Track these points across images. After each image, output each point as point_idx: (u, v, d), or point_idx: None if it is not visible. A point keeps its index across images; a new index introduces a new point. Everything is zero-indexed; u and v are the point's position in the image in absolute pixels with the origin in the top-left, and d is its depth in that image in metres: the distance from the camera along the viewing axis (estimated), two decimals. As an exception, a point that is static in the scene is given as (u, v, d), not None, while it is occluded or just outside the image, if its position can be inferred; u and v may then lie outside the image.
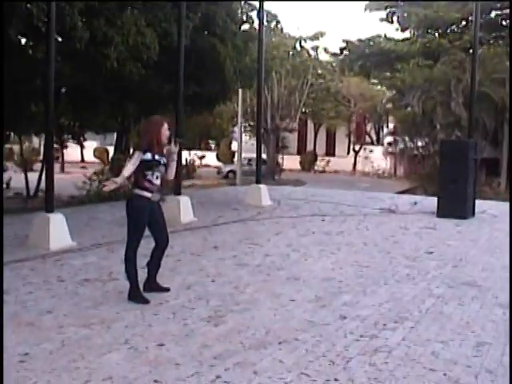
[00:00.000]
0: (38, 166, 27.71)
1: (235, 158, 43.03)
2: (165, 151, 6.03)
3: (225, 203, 14.21)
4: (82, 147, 44.73)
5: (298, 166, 46.47)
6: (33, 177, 21.12)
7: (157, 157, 5.84)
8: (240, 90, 29.85)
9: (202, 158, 51.08)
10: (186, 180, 35.67)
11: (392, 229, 10.58)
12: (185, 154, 47.38)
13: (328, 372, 4.28)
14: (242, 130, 45.00)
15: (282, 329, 5.23)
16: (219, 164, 46.39)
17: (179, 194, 11.21)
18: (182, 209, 11.00)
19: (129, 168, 5.73)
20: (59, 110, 19.44)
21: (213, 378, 4.19)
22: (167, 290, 6.33)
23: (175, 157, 6.11)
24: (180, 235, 9.72)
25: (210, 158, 51.10)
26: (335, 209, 13.17)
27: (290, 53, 35.15)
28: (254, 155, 37.34)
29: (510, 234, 8.11)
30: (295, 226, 10.83)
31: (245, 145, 50.32)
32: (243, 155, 42.45)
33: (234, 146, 50.68)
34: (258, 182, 13.74)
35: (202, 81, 14.99)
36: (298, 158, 47.66)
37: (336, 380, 4.15)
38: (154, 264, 6.20)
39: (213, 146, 54.95)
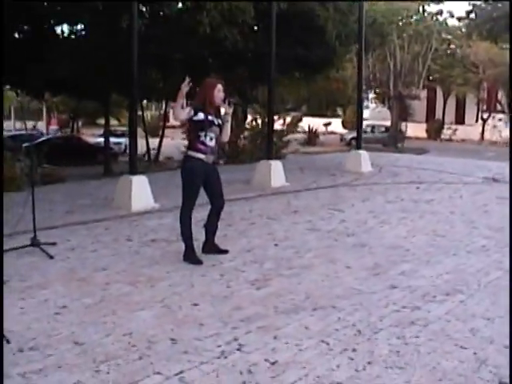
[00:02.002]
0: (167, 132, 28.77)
1: (365, 125, 42.30)
2: (222, 112, 5.95)
3: (325, 169, 14.01)
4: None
5: (425, 134, 44.87)
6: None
7: (210, 117, 5.77)
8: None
9: (327, 124, 50.71)
10: (308, 147, 35.80)
11: (487, 198, 9.97)
12: (309, 120, 47.43)
13: (350, 342, 4.09)
14: (370, 96, 44.24)
15: (323, 295, 5.06)
16: (345, 131, 45.81)
17: (271, 158, 11.10)
18: (273, 173, 10.95)
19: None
20: (173, 77, 20.05)
21: (229, 339, 4.13)
22: (225, 252, 6.32)
23: (228, 118, 6.04)
24: (265, 199, 9.70)
25: (337, 124, 50.55)
26: (435, 176, 12.62)
27: (414, 17, 33.67)
28: (379, 122, 36.62)
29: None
30: (386, 192, 10.47)
31: (371, 112, 49.53)
32: (368, 122, 41.74)
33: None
34: (358, 147, 13.44)
35: (308, 45, 14.74)
36: (424, 126, 46.02)
37: (354, 350, 3.96)
38: (211, 226, 6.20)
39: (340, 112, 54.29)
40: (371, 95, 42.38)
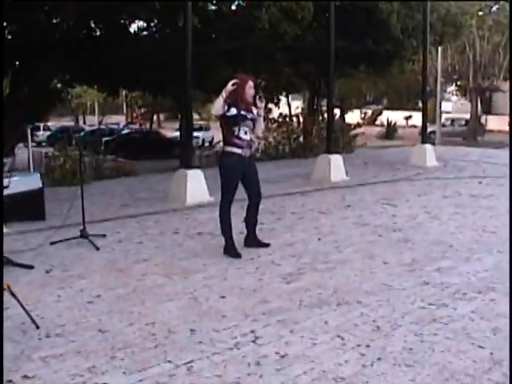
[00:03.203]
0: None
1: (444, 118, 41.39)
2: (257, 107, 6.02)
3: (389, 163, 13.85)
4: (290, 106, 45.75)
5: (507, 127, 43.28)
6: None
7: (242, 112, 5.85)
8: (440, 48, 28.52)
9: (408, 118, 49.81)
10: (386, 140, 35.34)
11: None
12: (390, 113, 46.73)
13: (365, 337, 4.08)
14: (450, 89, 43.12)
15: (351, 290, 5.06)
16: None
17: (330, 152, 11.08)
18: (333, 167, 10.94)
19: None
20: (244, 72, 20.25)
21: (246, 331, 4.20)
22: (267, 245, 6.38)
23: (261, 112, 6.09)
24: (321, 193, 9.73)
25: (418, 118, 49.50)
26: (502, 171, 12.20)
27: (494, 7, 32.52)
28: (459, 115, 35.64)
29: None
30: (446, 187, 10.26)
31: (453, 105, 48.28)
32: (448, 115, 40.75)
33: (444, 106, 48.67)
34: (423, 142, 13.18)
35: (375, 38, 14.58)
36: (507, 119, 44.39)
37: (367, 346, 3.95)
38: (251, 220, 6.28)
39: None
40: (452, 88, 41.27)
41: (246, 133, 5.92)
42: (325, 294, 4.97)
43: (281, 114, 19.86)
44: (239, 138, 5.88)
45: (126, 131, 34.04)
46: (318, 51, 15.05)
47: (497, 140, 33.94)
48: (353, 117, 54.63)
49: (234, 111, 5.83)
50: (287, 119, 19.08)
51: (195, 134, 33.41)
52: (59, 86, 17.05)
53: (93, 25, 14.62)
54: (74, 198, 6.78)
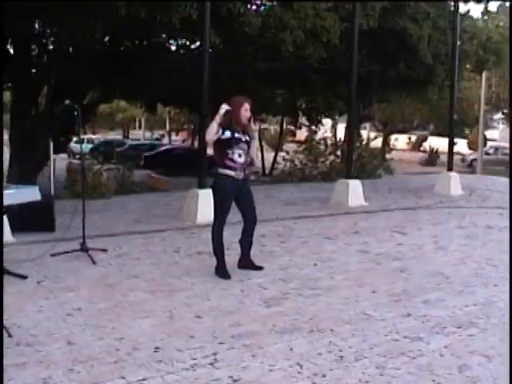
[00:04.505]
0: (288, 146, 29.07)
1: (486, 146, 40.78)
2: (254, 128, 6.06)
3: (414, 190, 13.69)
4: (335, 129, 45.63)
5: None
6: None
7: (236, 135, 5.90)
8: (484, 74, 28.18)
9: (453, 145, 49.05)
10: (428, 167, 34.93)
11: None
12: (436, 139, 46.13)
13: (325, 367, 4.05)
14: (497, 116, 42.43)
15: (328, 318, 5.03)
16: (469, 152, 44.27)
17: (349, 177, 11.04)
18: (351, 193, 10.88)
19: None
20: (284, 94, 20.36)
21: (208, 353, 4.22)
22: (260, 268, 6.40)
23: (255, 135, 6.11)
24: (334, 218, 9.69)
25: (463, 145, 48.94)
26: (528, 203, 11.91)
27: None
28: (504, 144, 34.94)
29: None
30: (463, 217, 10.10)
31: (500, 133, 47.47)
32: (493, 144, 40.05)
33: (489, 133, 47.93)
34: (449, 169, 12.99)
35: (408, 63, 14.52)
36: None
37: (323, 376, 3.92)
38: (245, 242, 6.30)
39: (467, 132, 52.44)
40: (499, 115, 40.64)
41: (240, 155, 5.96)
42: (300, 320, 4.95)
43: (307, 137, 19.84)
44: (233, 161, 5.92)
45: (167, 147, 34.45)
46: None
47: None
48: (399, 142, 54.43)
49: (228, 134, 5.88)
50: (321, 142, 18.99)
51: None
52: (95, 100, 17.33)
53: (128, 42, 14.89)
54: (75, 210, 6.88)
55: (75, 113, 6.90)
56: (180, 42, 14.79)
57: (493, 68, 22.69)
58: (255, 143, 6.16)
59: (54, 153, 15.70)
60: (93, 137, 43.71)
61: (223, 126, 5.88)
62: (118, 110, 45.01)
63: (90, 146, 39.18)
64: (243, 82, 15.84)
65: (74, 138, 39.57)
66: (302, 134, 38.76)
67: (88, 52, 14.22)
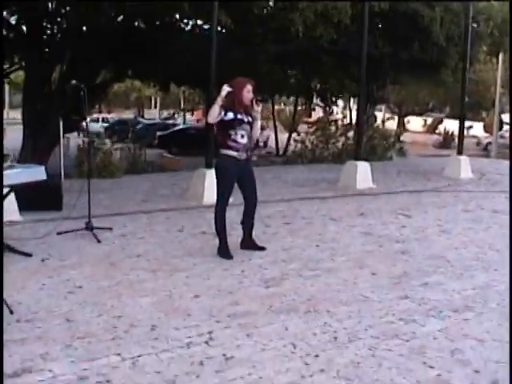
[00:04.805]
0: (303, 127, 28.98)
1: (503, 130, 40.37)
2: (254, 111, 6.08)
3: (424, 173, 13.66)
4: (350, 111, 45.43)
5: None
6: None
7: (239, 116, 5.92)
8: (501, 56, 27.84)
9: (469, 128, 48.67)
10: (442, 149, 34.70)
11: None
12: (452, 122, 45.76)
13: (319, 347, 4.10)
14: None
15: (326, 299, 5.07)
16: (486, 135, 43.92)
17: (358, 159, 11.03)
18: (359, 175, 10.89)
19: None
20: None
21: (203, 332, 4.29)
22: (262, 249, 6.44)
23: (258, 116, 6.13)
24: (341, 200, 9.73)
25: (479, 128, 48.57)
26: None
27: None
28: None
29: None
30: (471, 200, 10.08)
31: (519, 116, 46.87)
32: (508, 127, 39.59)
33: (507, 117, 47.38)
34: (459, 152, 12.92)
35: (421, 45, 14.40)
36: None
37: (316, 356, 3.97)
38: (246, 223, 6.34)
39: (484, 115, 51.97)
40: (516, 98, 40.10)
41: (242, 136, 5.98)
42: (298, 300, 5.00)
43: (318, 118, 19.78)
44: (235, 141, 5.95)
45: (181, 126, 34.46)
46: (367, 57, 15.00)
47: None
48: (415, 124, 54.08)
49: (231, 115, 5.90)
50: (332, 123, 18.93)
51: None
52: (107, 79, 17.36)
53: (142, 23, 14.88)
54: (81, 190, 6.96)
55: (81, 92, 6.93)
56: (192, 23, 14.70)
57: (509, 51, 22.40)
58: (258, 124, 6.17)
59: (66, 132, 15.81)
60: (108, 116, 43.77)
61: (226, 108, 5.90)
62: (133, 90, 45.04)
63: (104, 124, 39.29)
64: (255, 63, 15.81)
65: (89, 117, 39.89)
66: (318, 115, 38.62)
67: (101, 31, 14.23)
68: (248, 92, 5.96)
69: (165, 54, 15.14)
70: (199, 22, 16.06)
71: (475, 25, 17.07)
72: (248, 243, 6.42)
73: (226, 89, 5.86)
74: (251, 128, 6.06)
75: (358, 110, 11.15)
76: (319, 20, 10.96)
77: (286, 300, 4.99)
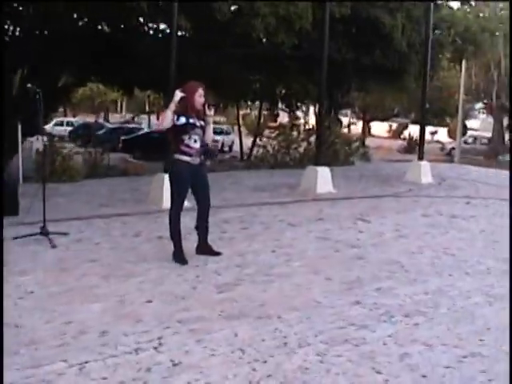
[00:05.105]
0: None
1: (467, 135, 41.06)
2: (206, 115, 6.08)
3: (385, 178, 13.79)
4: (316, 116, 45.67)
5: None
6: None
7: (191, 120, 5.92)
8: (464, 64, 28.28)
9: (433, 133, 49.45)
10: (407, 154, 35.09)
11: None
12: (415, 128, 46.35)
13: (267, 353, 4.11)
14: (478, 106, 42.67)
15: (278, 305, 5.08)
16: (450, 140, 44.61)
17: (318, 164, 11.09)
18: (319, 179, 10.94)
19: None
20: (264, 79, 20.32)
21: (153, 338, 4.26)
22: (218, 254, 6.43)
23: (210, 120, 6.13)
24: (300, 205, 9.75)
25: (443, 134, 49.30)
26: (495, 192, 12.07)
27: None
28: (483, 133, 35.20)
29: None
30: (430, 205, 10.20)
31: (481, 122, 47.77)
32: (474, 133, 40.32)
33: (471, 123, 48.21)
34: (420, 158, 13.09)
35: (383, 52, 14.55)
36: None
37: (264, 362, 3.97)
38: (201, 227, 6.33)
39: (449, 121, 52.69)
40: (479, 105, 40.92)
41: (195, 141, 5.98)
42: (250, 306, 5.00)
43: (280, 124, 19.86)
44: (188, 146, 5.95)
45: (146, 130, 34.27)
46: (327, 61, 15.10)
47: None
48: (380, 129, 54.63)
49: (183, 120, 5.89)
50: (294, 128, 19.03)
51: (215, 137, 33.63)
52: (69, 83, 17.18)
53: (105, 25, 14.78)
54: (38, 194, 6.88)
55: (37, 96, 6.86)
56: (154, 27, 14.64)
57: (471, 58, 22.79)
58: (210, 128, 6.18)
59: (28, 135, 15.60)
60: (72, 119, 43.34)
61: (178, 112, 5.89)
62: (99, 94, 44.71)
63: (69, 128, 38.89)
64: (218, 68, 15.82)
65: (53, 121, 39.41)
66: (284, 120, 38.67)
67: (63, 34, 14.09)
68: (200, 96, 5.97)
69: (128, 58, 15.06)
70: (162, 26, 16.03)
71: (438, 32, 17.36)
72: (203, 248, 6.41)
73: (178, 94, 5.86)
74: (203, 132, 6.05)
75: (318, 115, 11.18)
76: (281, 26, 10.99)
77: (237, 306, 4.99)
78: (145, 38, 15.60)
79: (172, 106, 5.83)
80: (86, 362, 3.83)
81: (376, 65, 14.63)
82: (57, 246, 6.62)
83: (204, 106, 6.03)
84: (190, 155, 5.96)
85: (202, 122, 6.03)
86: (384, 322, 4.79)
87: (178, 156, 5.99)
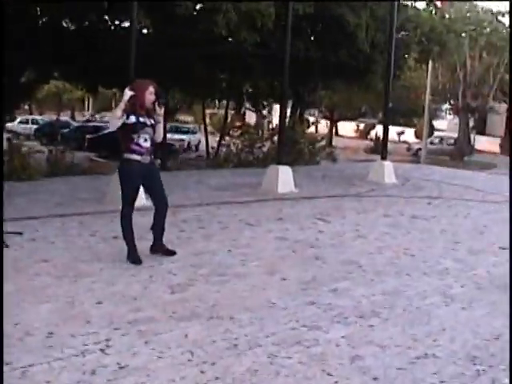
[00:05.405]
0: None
1: (433, 135, 41.47)
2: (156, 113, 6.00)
3: (348, 178, 13.82)
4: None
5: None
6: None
7: (141, 119, 5.84)
8: (430, 64, 28.54)
9: (400, 134, 49.87)
10: (373, 155, 35.28)
11: (494, 219, 9.50)
12: (381, 128, 46.76)
13: (216, 355, 4.05)
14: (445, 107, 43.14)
15: (231, 305, 5.03)
16: (417, 141, 45.01)
17: (280, 163, 11.06)
18: (281, 179, 10.93)
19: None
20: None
21: (101, 339, 4.19)
22: (173, 253, 6.33)
23: (160, 119, 6.07)
24: (260, 204, 9.72)
25: (410, 134, 49.73)
26: (458, 192, 12.21)
27: (487, 29, 32.54)
28: (449, 134, 35.60)
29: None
30: (391, 206, 10.26)
31: (448, 123, 48.32)
32: (440, 134, 40.78)
33: (438, 124, 48.71)
34: (383, 158, 13.16)
35: (348, 51, 14.60)
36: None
37: (213, 364, 3.92)
38: (157, 227, 6.24)
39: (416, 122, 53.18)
40: (446, 106, 41.38)
41: (145, 140, 5.91)
42: (202, 307, 4.95)
43: (243, 123, 19.84)
44: (139, 145, 5.87)
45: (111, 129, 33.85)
46: (292, 60, 15.09)
47: (485, 161, 33.93)
48: (348, 129, 54.93)
49: (133, 119, 5.80)
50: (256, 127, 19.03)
51: (181, 136, 33.53)
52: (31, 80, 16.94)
53: (68, 21, 14.59)
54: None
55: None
56: (117, 23, 14.49)
57: (437, 58, 23.02)
58: (160, 127, 6.11)
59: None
60: (38, 118, 42.76)
61: (128, 111, 5.80)
62: (65, 91, 44.18)
63: (34, 126, 38.36)
64: (184, 66, 15.73)
65: (18, 119, 38.87)
66: (251, 120, 38.67)
67: (25, 30, 13.89)
68: (150, 94, 5.88)
69: (91, 56, 14.89)
70: (126, 24, 15.86)
71: (404, 32, 17.48)
72: (158, 248, 6.32)
73: (128, 93, 5.77)
74: (154, 131, 5.97)
75: (280, 113, 11.16)
76: (243, 23, 10.94)
77: (189, 306, 4.93)
78: (108, 36, 15.45)
79: (122, 105, 5.75)
80: (30, 366, 3.74)
81: (341, 63, 14.68)
82: (9, 246, 6.43)
83: (154, 104, 5.93)
84: (140, 154, 5.88)
85: (153, 121, 5.94)
86: (338, 323, 4.76)
87: (127, 155, 5.90)
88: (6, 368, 3.69)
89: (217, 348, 4.15)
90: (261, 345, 4.25)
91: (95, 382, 3.59)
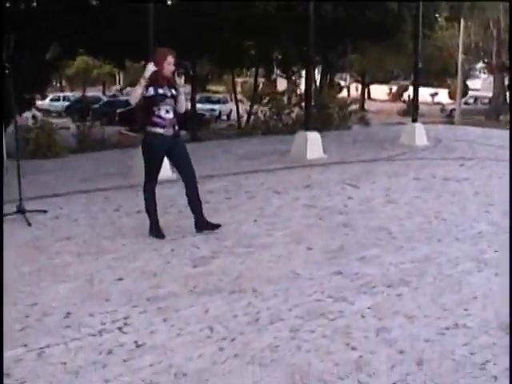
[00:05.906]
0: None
1: (468, 95, 40.53)
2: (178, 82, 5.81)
3: (380, 142, 13.51)
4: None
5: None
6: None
7: (161, 91, 5.64)
8: (462, 22, 27.77)
9: (434, 95, 48.85)
10: (407, 117, 34.69)
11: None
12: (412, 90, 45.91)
13: (236, 330, 3.92)
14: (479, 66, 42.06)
15: (254, 277, 4.89)
16: (451, 101, 44.08)
17: (308, 129, 10.83)
18: (309, 145, 10.69)
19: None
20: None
21: (119, 318, 4.10)
22: (218, 226, 6.09)
23: (181, 89, 5.85)
24: (288, 172, 9.54)
25: (443, 95, 48.71)
26: (493, 153, 11.79)
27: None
28: (484, 94, 34.75)
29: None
30: (423, 168, 9.96)
31: (482, 82, 47.16)
32: (475, 93, 39.80)
33: (472, 83, 47.59)
34: (414, 120, 12.80)
35: (376, 10, 14.21)
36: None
37: (232, 340, 3.79)
38: (193, 203, 6.01)
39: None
40: (480, 65, 40.31)
41: (167, 111, 5.71)
42: (225, 280, 4.81)
43: (274, 90, 19.53)
44: (160, 117, 5.68)
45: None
46: (319, 22, 14.74)
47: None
48: (380, 92, 54.02)
49: (151, 91, 5.61)
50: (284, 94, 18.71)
51: (212, 106, 33.35)
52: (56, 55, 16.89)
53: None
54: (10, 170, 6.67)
55: (6, 71, 6.59)
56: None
57: (469, 16, 22.34)
58: (182, 97, 5.89)
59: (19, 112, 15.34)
60: (69, 94, 42.95)
61: (147, 83, 5.61)
62: (94, 67, 44.19)
63: (65, 103, 38.55)
64: (211, 34, 15.49)
65: (50, 96, 39.04)
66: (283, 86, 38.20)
67: (50, 7, 13.82)
68: (169, 64, 5.67)
69: (116, 30, 14.75)
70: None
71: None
72: (203, 224, 6.03)
73: (150, 69, 5.58)
74: (176, 102, 5.77)
75: (306, 78, 10.87)
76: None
77: (211, 280, 4.80)
78: (132, 9, 15.24)
79: (142, 82, 5.56)
80: (47, 347, 3.66)
81: (370, 23, 14.29)
82: (32, 225, 6.37)
83: (173, 74, 5.74)
84: (162, 126, 5.70)
85: (174, 91, 5.74)
86: (364, 293, 4.57)
87: (150, 128, 5.73)
88: (21, 350, 3.62)
89: (237, 323, 4.02)
90: (283, 319, 4.10)
91: (111, 362, 3.48)
